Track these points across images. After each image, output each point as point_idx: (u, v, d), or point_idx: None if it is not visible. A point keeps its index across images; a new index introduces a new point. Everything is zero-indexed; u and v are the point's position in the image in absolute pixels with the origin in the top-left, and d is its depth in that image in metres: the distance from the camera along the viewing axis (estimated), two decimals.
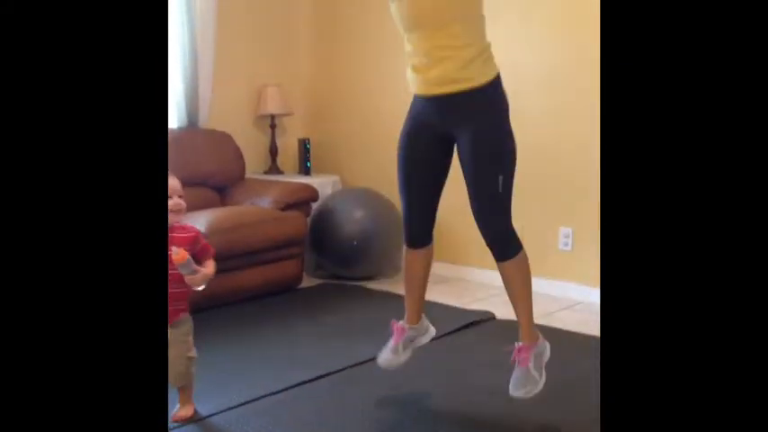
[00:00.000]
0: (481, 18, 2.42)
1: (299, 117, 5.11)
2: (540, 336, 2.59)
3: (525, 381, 2.49)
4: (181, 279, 2.34)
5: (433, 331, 2.82)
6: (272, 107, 4.82)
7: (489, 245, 2.49)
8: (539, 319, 3.58)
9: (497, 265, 2.51)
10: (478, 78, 2.37)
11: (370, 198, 4.46)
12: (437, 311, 3.64)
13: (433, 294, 2.81)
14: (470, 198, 2.46)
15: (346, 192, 4.68)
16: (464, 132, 2.41)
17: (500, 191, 2.40)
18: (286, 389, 2.80)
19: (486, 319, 3.67)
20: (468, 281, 4.42)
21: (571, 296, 4.03)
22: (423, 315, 2.78)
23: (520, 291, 2.51)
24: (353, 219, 4.30)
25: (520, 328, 2.55)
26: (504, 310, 3.87)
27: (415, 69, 2.43)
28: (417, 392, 2.81)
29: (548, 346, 2.61)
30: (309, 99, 5.17)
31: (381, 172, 4.76)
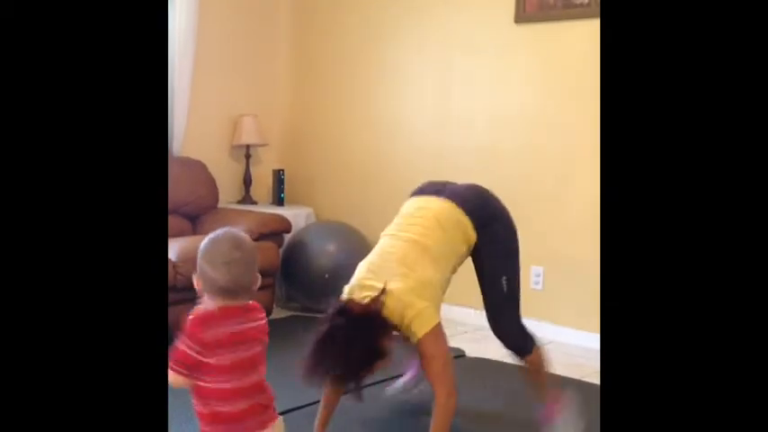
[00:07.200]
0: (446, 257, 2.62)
1: (274, 148, 5.10)
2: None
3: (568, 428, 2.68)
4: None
5: None
6: (247, 137, 4.81)
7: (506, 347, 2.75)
8: (508, 357, 3.58)
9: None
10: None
11: (343, 232, 4.45)
12: (408, 349, 3.61)
13: None
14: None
15: (319, 224, 4.66)
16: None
17: (505, 291, 2.68)
18: None
19: (456, 356, 3.65)
20: None
21: (542, 335, 4.02)
22: None
23: (538, 377, 2.74)
24: (326, 252, 4.28)
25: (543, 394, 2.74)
26: (473, 346, 3.86)
27: None
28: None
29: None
30: (285, 130, 5.17)
31: (355, 206, 4.75)
